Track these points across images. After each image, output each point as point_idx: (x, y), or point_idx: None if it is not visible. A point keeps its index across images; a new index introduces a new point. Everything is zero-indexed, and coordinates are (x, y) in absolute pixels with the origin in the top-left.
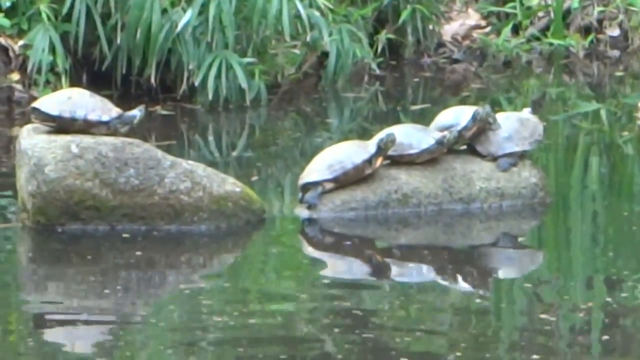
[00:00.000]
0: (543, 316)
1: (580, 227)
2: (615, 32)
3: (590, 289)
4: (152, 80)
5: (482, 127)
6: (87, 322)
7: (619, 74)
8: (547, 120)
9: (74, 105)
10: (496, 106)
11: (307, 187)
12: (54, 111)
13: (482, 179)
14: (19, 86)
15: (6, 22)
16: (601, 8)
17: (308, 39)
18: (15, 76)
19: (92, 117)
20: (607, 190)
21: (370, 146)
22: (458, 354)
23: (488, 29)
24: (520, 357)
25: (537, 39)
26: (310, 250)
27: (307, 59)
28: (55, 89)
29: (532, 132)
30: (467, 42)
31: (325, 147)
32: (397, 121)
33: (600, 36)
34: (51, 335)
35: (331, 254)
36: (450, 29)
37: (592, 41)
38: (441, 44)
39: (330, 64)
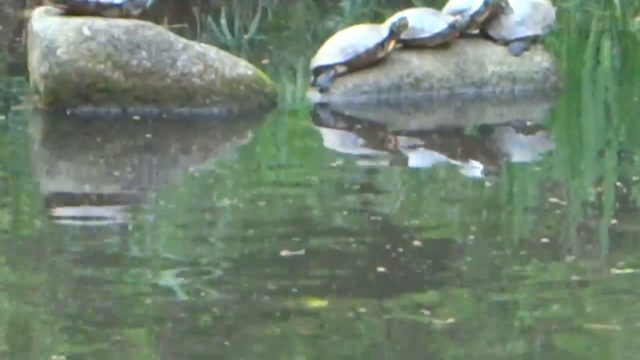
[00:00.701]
0: (553, 199)
1: (591, 111)
2: None
3: (601, 172)
4: None
5: (494, 12)
6: (96, 204)
7: None
8: (559, 6)
9: None
10: None
11: (319, 70)
12: None
13: (494, 63)
14: None
15: None
16: None
17: None
18: None
19: None
20: (619, 75)
21: (382, 30)
22: (470, 236)
23: None
24: (530, 240)
25: None
26: (321, 134)
27: None
28: None
29: (545, 17)
30: None
31: (338, 30)
32: (410, 5)
33: None
34: (61, 217)
35: (343, 137)
36: None
37: None
38: None
39: None
